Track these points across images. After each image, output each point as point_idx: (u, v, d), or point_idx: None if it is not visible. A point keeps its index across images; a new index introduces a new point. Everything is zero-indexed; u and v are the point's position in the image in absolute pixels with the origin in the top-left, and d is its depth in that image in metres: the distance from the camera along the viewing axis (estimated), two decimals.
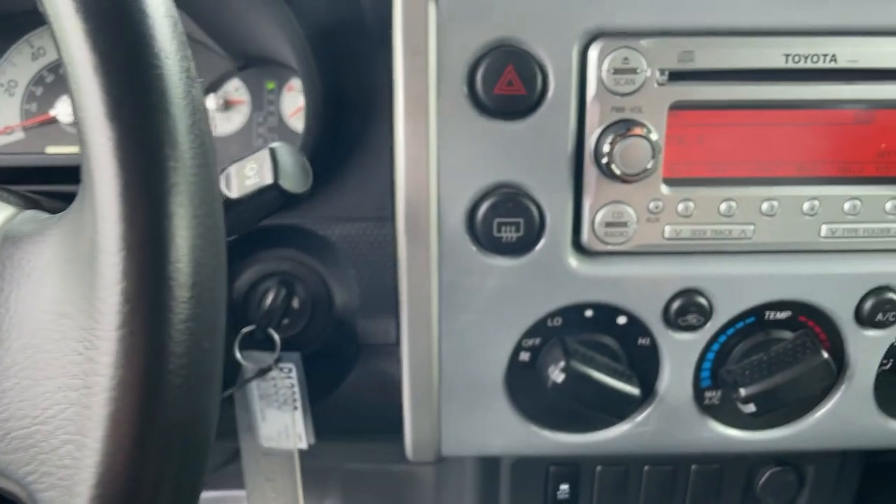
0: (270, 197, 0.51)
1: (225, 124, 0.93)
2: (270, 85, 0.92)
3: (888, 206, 0.67)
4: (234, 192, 0.51)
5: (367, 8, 0.70)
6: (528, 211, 0.65)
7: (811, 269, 0.68)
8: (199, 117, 0.31)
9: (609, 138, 0.63)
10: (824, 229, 0.68)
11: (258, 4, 0.67)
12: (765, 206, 0.67)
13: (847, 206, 0.67)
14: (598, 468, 0.91)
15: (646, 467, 0.91)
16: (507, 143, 0.64)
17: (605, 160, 0.63)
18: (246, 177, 0.50)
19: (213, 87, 0.92)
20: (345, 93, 0.75)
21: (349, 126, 0.77)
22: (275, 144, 0.52)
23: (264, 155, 0.51)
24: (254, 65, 0.91)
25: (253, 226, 0.56)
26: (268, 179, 0.50)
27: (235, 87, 0.93)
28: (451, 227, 0.66)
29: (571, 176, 0.65)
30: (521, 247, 0.66)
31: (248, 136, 0.92)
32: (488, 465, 0.95)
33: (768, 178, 0.67)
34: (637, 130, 0.62)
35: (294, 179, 0.52)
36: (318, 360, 0.83)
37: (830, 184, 0.67)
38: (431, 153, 0.64)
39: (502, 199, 0.65)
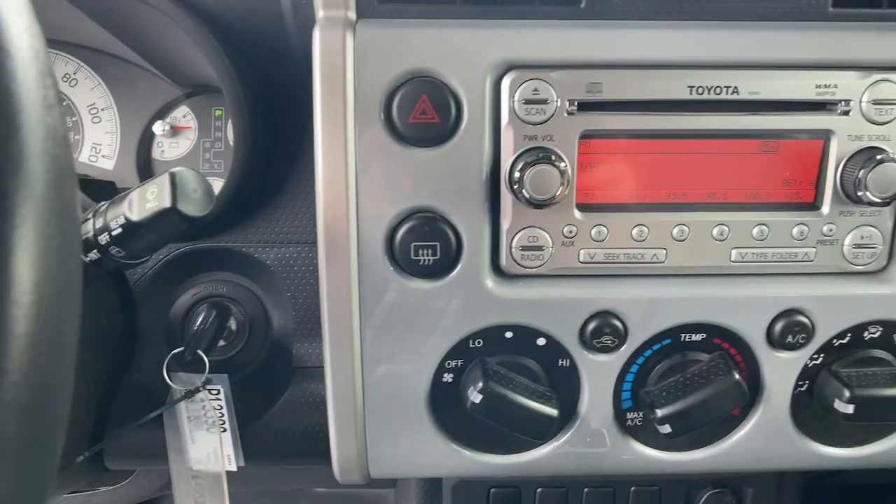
0: (170, 220, 0.52)
1: (172, 149, 0.95)
2: (218, 112, 0.95)
3: (795, 231, 0.70)
4: (134, 215, 0.53)
5: (294, 38, 0.72)
6: (444, 235, 0.67)
7: (722, 292, 0.71)
8: (54, 143, 0.32)
9: (520, 165, 0.65)
10: (734, 253, 0.70)
11: (187, 37, 0.70)
12: (676, 230, 0.69)
13: (755, 231, 0.70)
14: (539, 490, 0.92)
15: (585, 489, 0.92)
16: (423, 169, 0.66)
17: (516, 186, 0.65)
18: (147, 200, 0.52)
19: (161, 114, 0.94)
20: (277, 120, 0.78)
21: (283, 151, 0.79)
22: (176, 169, 0.54)
23: (165, 179, 0.53)
24: (201, 92, 0.94)
25: (159, 248, 0.57)
26: (166, 203, 0.52)
27: (183, 114, 0.95)
28: (370, 251, 0.67)
29: (487, 201, 0.68)
30: (438, 270, 0.68)
31: (195, 161, 0.95)
32: (431, 488, 0.96)
33: (679, 203, 0.70)
34: (545, 158, 0.64)
35: (194, 203, 0.53)
36: (252, 382, 0.84)
37: (739, 210, 0.70)
38: (350, 179, 0.66)
39: (419, 223, 0.67)
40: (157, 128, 0.92)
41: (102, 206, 0.56)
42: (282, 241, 0.82)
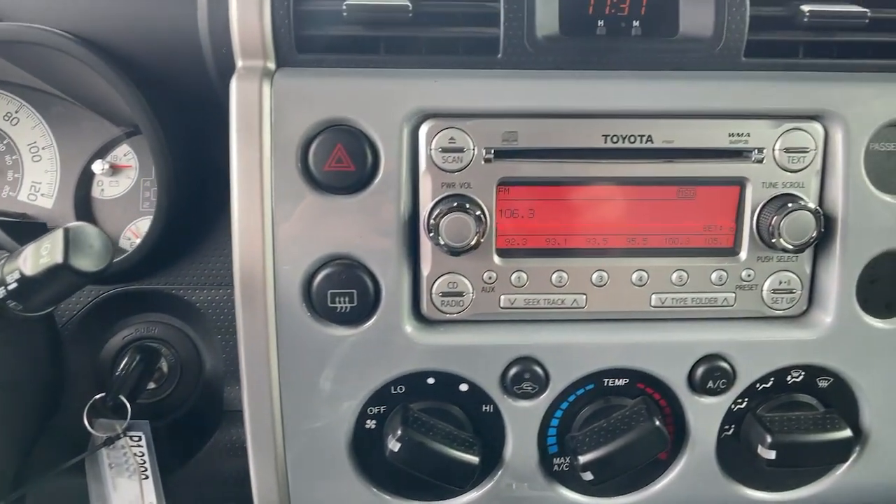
0: (63, 276, 0.52)
1: (113, 188, 0.95)
2: None
3: (713, 276, 0.70)
4: (28, 270, 0.52)
5: (217, 85, 0.73)
6: (362, 282, 0.67)
7: (643, 337, 0.71)
8: None
9: (435, 213, 0.65)
10: (654, 299, 0.70)
11: (108, 84, 0.70)
12: (595, 276, 0.70)
13: (674, 276, 0.70)
14: None
15: None
16: (340, 216, 0.66)
17: (432, 234, 0.65)
18: (40, 255, 0.52)
19: (101, 153, 0.94)
20: (207, 163, 0.78)
21: (213, 194, 0.79)
22: (72, 224, 0.54)
23: (59, 234, 0.52)
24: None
25: (58, 301, 0.57)
26: (58, 259, 0.51)
27: (125, 153, 0.95)
28: (287, 298, 0.67)
29: (405, 248, 0.68)
30: (356, 316, 0.68)
31: (134, 200, 0.94)
32: None
33: (598, 249, 0.70)
34: (460, 207, 0.65)
35: (90, 258, 0.53)
36: (182, 426, 0.83)
37: (658, 255, 0.70)
38: (266, 226, 0.66)
39: (336, 270, 0.67)
40: (97, 167, 0.92)
41: (2, 258, 0.55)
42: (212, 283, 0.82)
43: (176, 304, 0.83)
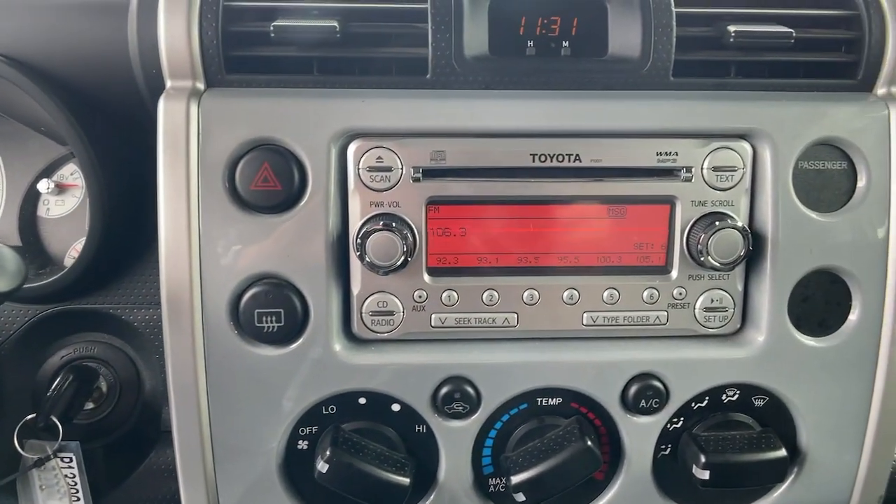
0: None
1: (58, 207, 0.95)
2: None
3: (645, 294, 0.70)
4: None
5: (149, 105, 0.73)
6: (289, 301, 0.67)
7: (575, 356, 0.70)
8: None
9: (362, 232, 0.65)
10: (585, 317, 0.70)
11: (33, 102, 0.70)
12: (526, 295, 0.70)
13: (606, 294, 0.70)
14: None
15: None
16: (267, 235, 0.66)
17: (358, 253, 0.65)
18: None
19: (47, 172, 0.94)
20: (140, 184, 0.78)
21: (151, 213, 0.79)
22: None
23: None
24: None
25: None
26: None
27: (71, 171, 0.95)
28: (214, 317, 0.67)
29: (335, 267, 0.68)
30: (283, 336, 0.67)
31: (81, 219, 0.94)
32: None
33: (530, 267, 0.70)
34: (386, 226, 0.65)
35: (2, 279, 0.53)
36: (120, 447, 0.82)
37: (590, 274, 0.70)
38: (193, 245, 0.66)
39: (263, 290, 0.66)
40: (42, 186, 0.92)
41: None
42: (151, 302, 0.81)
43: (115, 324, 0.82)
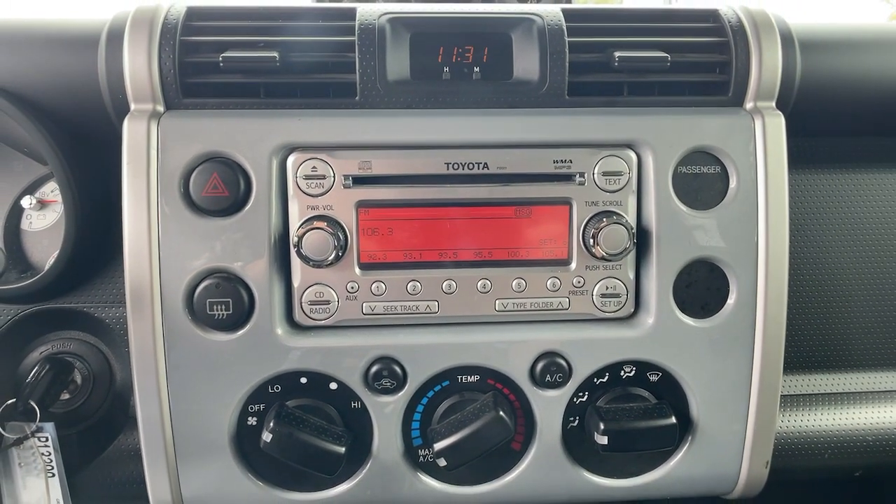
0: None
1: (40, 221, 1.05)
2: None
3: (549, 283, 0.81)
4: None
5: (116, 125, 0.83)
6: (237, 292, 0.77)
7: (488, 338, 0.81)
8: None
9: (299, 231, 0.76)
10: (497, 304, 0.81)
11: (16, 125, 0.81)
12: (445, 285, 0.80)
13: (514, 284, 0.81)
14: None
15: None
16: (217, 235, 0.76)
17: (297, 249, 0.76)
18: None
19: (30, 189, 1.04)
20: (110, 195, 0.88)
21: (120, 222, 0.89)
22: None
23: None
24: None
25: None
26: None
27: (52, 189, 1.05)
28: (172, 307, 0.77)
29: (277, 262, 0.78)
30: (232, 323, 0.77)
31: (60, 231, 1.04)
32: None
33: (448, 262, 0.80)
34: (318, 227, 0.75)
35: None
36: (93, 432, 0.91)
37: (500, 266, 0.81)
38: (153, 244, 0.76)
39: (214, 282, 0.77)
40: (25, 202, 1.02)
41: None
42: (120, 301, 0.91)
43: (88, 321, 0.92)
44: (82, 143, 0.86)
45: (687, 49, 0.84)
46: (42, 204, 1.05)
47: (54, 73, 0.81)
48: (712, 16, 0.87)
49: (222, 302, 0.77)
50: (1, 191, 1.04)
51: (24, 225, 1.05)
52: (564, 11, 0.84)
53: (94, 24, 0.82)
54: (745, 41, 0.83)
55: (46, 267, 1.01)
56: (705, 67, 0.84)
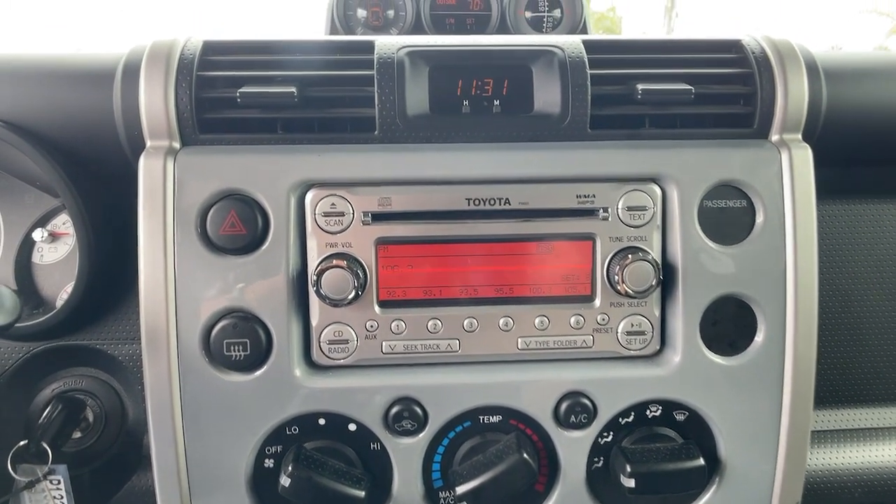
0: None
1: (52, 254, 1.04)
2: None
3: (572, 320, 0.79)
4: None
5: (132, 162, 0.82)
6: (254, 332, 0.75)
7: (511, 377, 0.79)
8: None
9: (318, 270, 0.74)
10: (520, 342, 0.79)
11: (29, 161, 0.80)
12: (466, 323, 0.78)
13: (537, 321, 0.79)
14: None
15: None
16: (234, 274, 0.75)
17: (315, 288, 0.74)
18: None
19: (42, 222, 1.03)
20: (124, 232, 0.87)
21: (133, 259, 0.88)
22: None
23: None
24: None
25: None
26: None
27: (63, 221, 1.04)
28: (188, 348, 0.75)
29: (296, 301, 0.76)
30: (249, 364, 0.75)
31: (72, 264, 1.02)
32: None
33: (469, 299, 0.79)
34: (338, 265, 0.74)
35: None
36: (105, 471, 0.89)
37: (522, 303, 0.79)
38: (169, 283, 0.74)
39: (231, 322, 0.75)
40: (37, 235, 1.01)
41: None
42: (134, 338, 0.89)
43: (101, 358, 0.90)
44: (96, 178, 0.85)
45: (711, 80, 0.82)
46: (53, 236, 1.04)
47: (68, 109, 0.80)
48: (735, 46, 0.86)
49: (239, 343, 0.75)
50: (12, 224, 1.03)
51: (36, 258, 1.03)
52: (585, 43, 0.82)
53: (109, 60, 0.82)
54: (769, 72, 0.82)
55: (58, 303, 1.00)
56: (729, 99, 0.83)
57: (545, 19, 1.15)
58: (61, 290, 1.02)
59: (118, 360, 0.89)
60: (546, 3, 1.14)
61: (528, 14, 1.14)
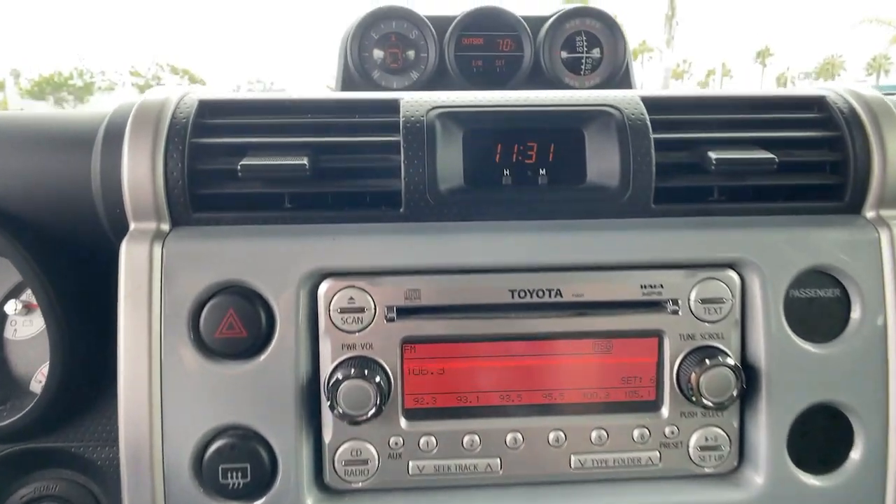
0: None
1: (26, 328, 0.91)
2: None
3: (635, 434, 0.66)
4: None
5: (115, 244, 0.70)
6: (256, 454, 0.62)
7: (564, 502, 0.66)
8: None
9: (333, 380, 0.62)
10: (573, 460, 0.66)
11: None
12: (509, 438, 0.66)
13: (594, 435, 0.66)
14: None
15: None
16: (232, 385, 0.62)
17: (330, 402, 0.62)
18: None
19: (15, 292, 0.91)
20: (105, 321, 0.75)
21: (114, 350, 0.76)
22: None
23: None
24: None
25: None
26: None
27: None
28: (176, 472, 0.62)
29: (305, 413, 0.64)
30: (250, 492, 0.63)
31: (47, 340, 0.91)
32: None
33: (512, 407, 0.66)
34: (358, 374, 0.61)
35: None
36: None
37: (576, 413, 0.66)
38: (154, 396, 0.62)
39: (228, 442, 0.62)
40: (10, 307, 0.89)
41: None
42: (114, 439, 0.76)
43: (78, 461, 0.77)
44: (71, 259, 0.72)
45: (791, 145, 0.70)
46: (28, 308, 0.91)
47: (37, 182, 0.68)
48: (818, 103, 0.73)
49: (238, 468, 0.62)
50: None
51: (9, 333, 0.91)
52: (646, 100, 0.70)
53: (89, 122, 0.70)
54: (862, 135, 0.69)
55: (33, 384, 0.88)
56: (815, 167, 0.70)
57: (583, 60, 1.03)
58: (37, 371, 0.90)
59: (97, 465, 0.77)
60: (584, 43, 1.02)
61: (565, 54, 1.03)
